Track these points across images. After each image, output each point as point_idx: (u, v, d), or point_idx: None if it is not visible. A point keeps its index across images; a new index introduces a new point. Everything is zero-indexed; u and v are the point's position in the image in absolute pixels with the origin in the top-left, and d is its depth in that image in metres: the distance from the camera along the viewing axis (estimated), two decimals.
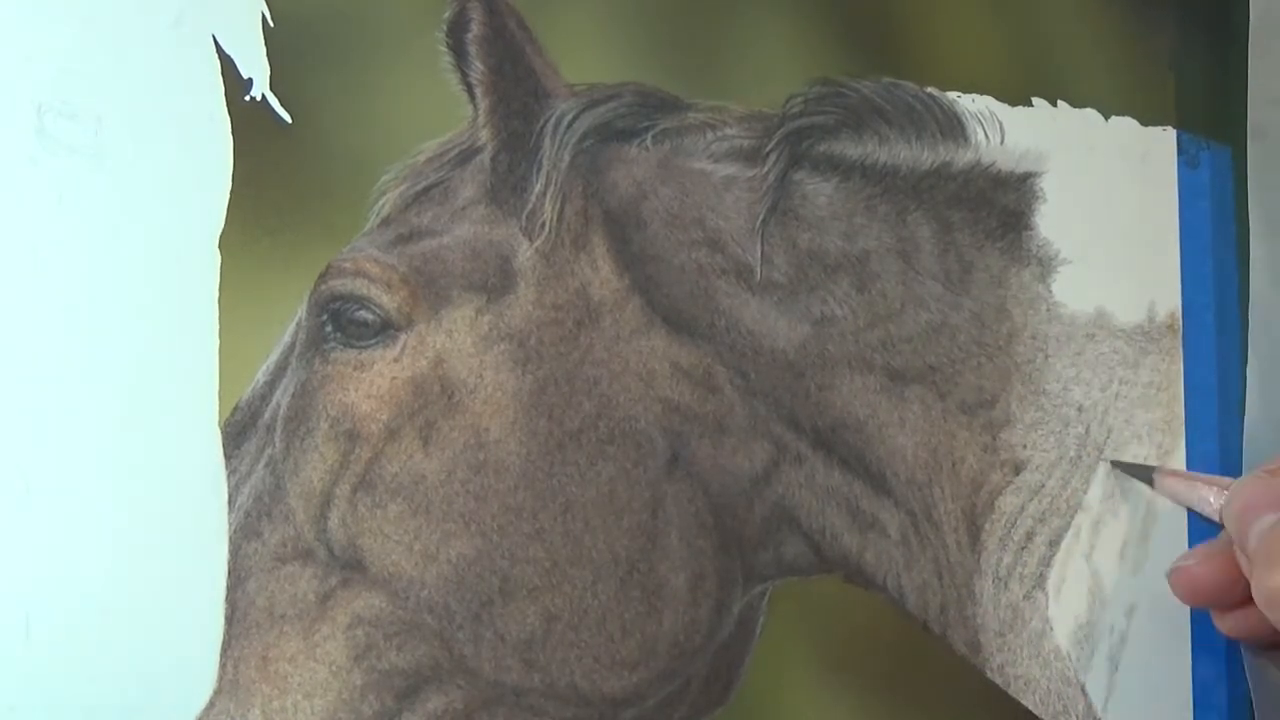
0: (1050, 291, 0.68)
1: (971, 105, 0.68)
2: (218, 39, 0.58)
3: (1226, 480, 0.66)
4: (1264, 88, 0.73)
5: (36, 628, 0.55)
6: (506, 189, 0.63)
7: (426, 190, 0.62)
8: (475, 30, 0.62)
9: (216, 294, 0.58)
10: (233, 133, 0.58)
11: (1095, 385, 0.69)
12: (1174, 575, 0.65)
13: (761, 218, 0.65)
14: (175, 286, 0.57)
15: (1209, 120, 0.73)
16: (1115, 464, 0.69)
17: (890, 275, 0.66)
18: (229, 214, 0.58)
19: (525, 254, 0.62)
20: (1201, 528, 0.70)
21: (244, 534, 0.59)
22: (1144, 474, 0.68)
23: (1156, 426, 0.70)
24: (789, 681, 0.66)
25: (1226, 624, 0.65)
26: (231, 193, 0.58)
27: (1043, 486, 0.67)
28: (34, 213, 0.55)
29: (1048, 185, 0.69)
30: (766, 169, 0.65)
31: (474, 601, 0.60)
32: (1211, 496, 0.66)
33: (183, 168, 0.58)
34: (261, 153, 0.59)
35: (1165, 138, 0.72)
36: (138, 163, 0.57)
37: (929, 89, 0.68)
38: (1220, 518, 0.65)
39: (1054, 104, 0.70)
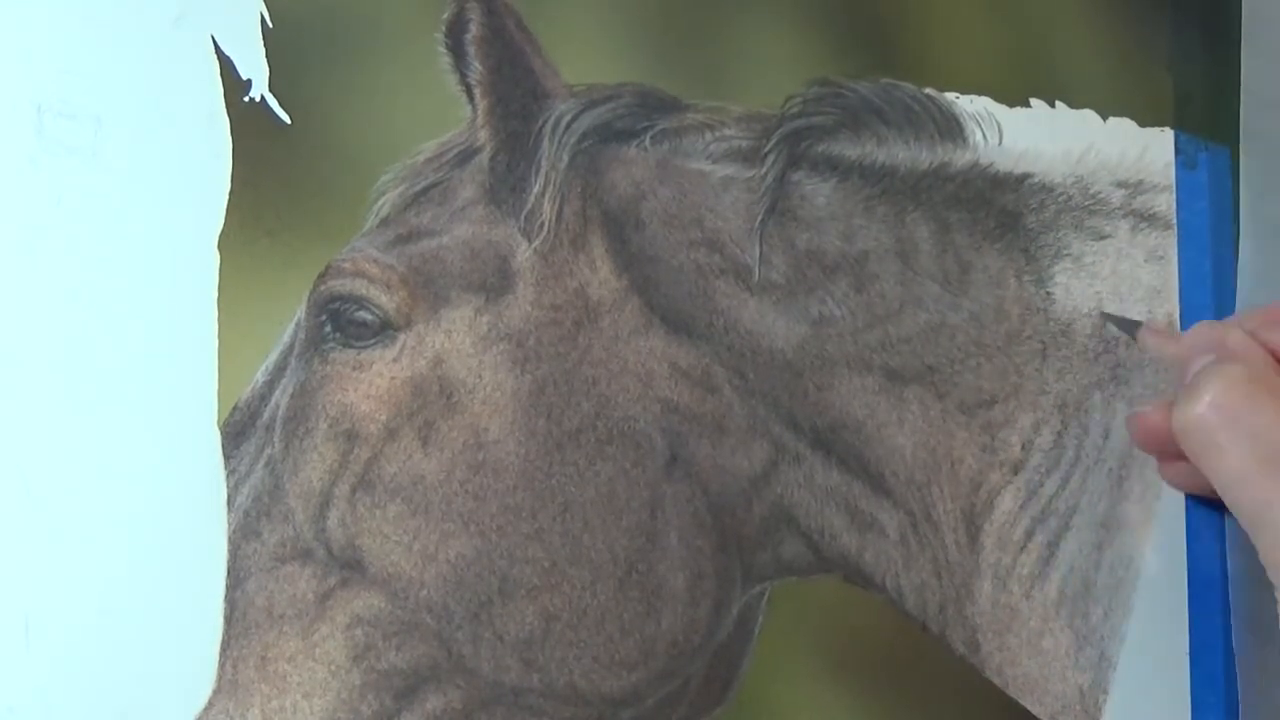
0: (1048, 292, 0.68)
1: (970, 106, 0.68)
2: (217, 40, 0.59)
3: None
4: (1258, 90, 0.73)
5: (36, 629, 0.55)
6: (505, 189, 0.63)
7: (425, 190, 0.62)
8: (474, 31, 0.62)
9: (215, 294, 0.58)
10: (232, 133, 0.58)
11: (1094, 386, 0.69)
12: (1129, 420, 0.66)
13: (760, 218, 0.65)
14: (174, 287, 0.57)
15: (1207, 121, 0.74)
16: (1106, 315, 0.69)
17: (889, 276, 0.66)
18: (228, 214, 0.58)
19: (524, 254, 0.63)
20: (1200, 523, 0.70)
21: (243, 534, 0.59)
22: (1130, 327, 0.68)
23: None
24: (788, 681, 0.66)
25: (1169, 473, 0.66)
26: (230, 193, 0.58)
27: (1041, 486, 0.67)
28: (33, 213, 0.55)
29: (1045, 186, 0.69)
30: (765, 169, 0.65)
31: (473, 601, 0.60)
32: (1170, 347, 0.66)
33: (182, 168, 0.58)
34: (261, 153, 0.59)
35: (1163, 139, 0.72)
36: (137, 163, 0.57)
37: (927, 90, 0.68)
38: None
39: (1052, 105, 0.70)
